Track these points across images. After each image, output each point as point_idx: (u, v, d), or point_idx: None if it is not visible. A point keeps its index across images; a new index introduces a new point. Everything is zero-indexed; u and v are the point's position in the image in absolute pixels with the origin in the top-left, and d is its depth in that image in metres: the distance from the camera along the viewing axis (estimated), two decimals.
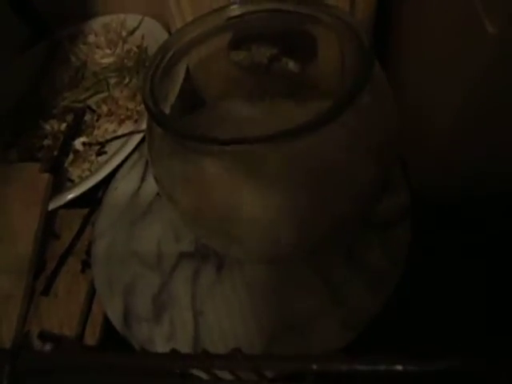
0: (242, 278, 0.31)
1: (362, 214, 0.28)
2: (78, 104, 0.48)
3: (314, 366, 0.16)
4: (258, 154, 0.20)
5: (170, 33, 0.47)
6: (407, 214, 0.31)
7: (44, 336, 0.32)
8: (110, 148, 0.43)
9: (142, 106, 0.44)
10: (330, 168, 0.24)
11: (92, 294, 0.35)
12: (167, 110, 0.26)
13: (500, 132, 0.24)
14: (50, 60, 0.53)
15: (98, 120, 0.47)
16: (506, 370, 0.14)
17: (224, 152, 0.20)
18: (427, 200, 0.31)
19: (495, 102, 0.22)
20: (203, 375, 0.20)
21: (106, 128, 0.45)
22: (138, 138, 0.41)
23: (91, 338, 0.33)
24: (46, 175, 0.38)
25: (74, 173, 0.43)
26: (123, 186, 0.39)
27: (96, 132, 0.46)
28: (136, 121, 0.45)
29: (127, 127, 0.45)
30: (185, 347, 0.29)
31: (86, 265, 0.36)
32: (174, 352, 0.18)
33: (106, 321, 0.33)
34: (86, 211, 0.39)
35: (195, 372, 0.20)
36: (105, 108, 0.47)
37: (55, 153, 0.43)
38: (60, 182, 0.41)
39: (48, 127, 0.46)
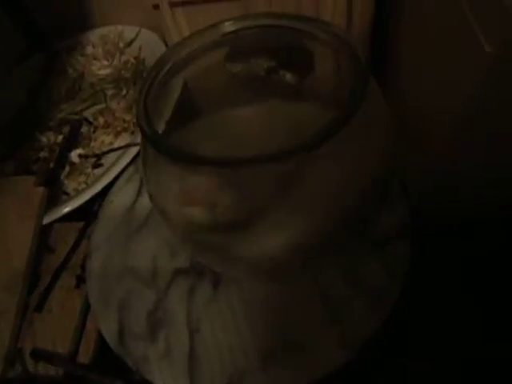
0: (239, 294, 0.30)
1: (360, 229, 0.28)
2: (75, 116, 0.48)
3: None
4: (252, 173, 0.20)
5: (166, 44, 0.48)
6: (406, 230, 0.31)
7: (36, 354, 0.32)
8: (107, 160, 0.43)
9: None
10: (327, 184, 0.23)
11: (86, 310, 0.34)
12: (162, 126, 0.25)
13: (497, 146, 0.24)
14: (48, 72, 0.53)
15: (94, 132, 0.46)
16: None
17: (217, 172, 0.19)
18: (427, 215, 0.31)
19: (492, 118, 0.22)
20: None
21: (103, 140, 0.45)
22: (134, 150, 0.40)
23: (85, 355, 0.32)
24: (41, 189, 0.38)
25: (70, 185, 0.42)
26: (119, 200, 0.38)
27: (92, 144, 0.45)
28: (133, 133, 0.45)
29: (124, 139, 0.45)
30: (180, 365, 0.29)
31: (81, 280, 0.35)
32: None
33: (100, 337, 0.32)
34: (81, 224, 0.39)
35: None
36: (101, 120, 0.47)
37: (51, 165, 0.43)
38: (56, 195, 0.41)
39: (44, 139, 0.46)
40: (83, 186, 0.42)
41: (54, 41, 0.56)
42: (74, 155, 0.44)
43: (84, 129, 0.47)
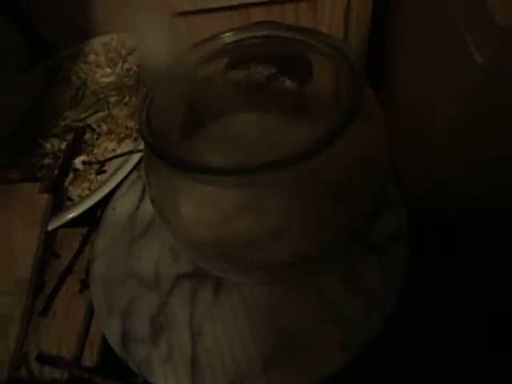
0: (241, 298, 0.31)
1: (359, 232, 0.28)
2: (79, 123, 0.49)
3: None
4: (249, 181, 0.21)
5: None
6: (405, 232, 0.32)
7: (42, 358, 0.32)
8: (110, 167, 0.44)
9: None
10: (324, 191, 0.24)
11: (90, 314, 0.35)
12: (164, 135, 0.26)
13: (489, 152, 0.25)
14: (51, 80, 0.54)
15: (97, 139, 0.47)
16: None
17: (220, 180, 0.20)
18: (425, 217, 0.31)
19: (485, 126, 0.22)
20: None
21: (106, 146, 0.46)
22: (137, 157, 0.41)
23: (89, 359, 0.33)
24: (46, 196, 0.39)
25: (74, 192, 0.43)
26: (122, 206, 0.39)
27: (96, 151, 0.46)
28: (135, 139, 0.45)
29: (127, 146, 0.45)
30: (182, 369, 0.29)
31: (85, 285, 0.36)
32: None
33: (104, 341, 0.33)
34: (85, 230, 0.40)
35: None
36: (105, 127, 0.47)
37: (55, 172, 0.43)
38: (60, 201, 0.41)
39: (49, 146, 0.47)
40: (87, 192, 0.42)
41: (57, 49, 0.57)
42: (78, 162, 0.45)
43: (87, 136, 0.47)
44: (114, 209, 0.39)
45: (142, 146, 0.41)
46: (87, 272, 0.36)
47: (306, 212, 0.24)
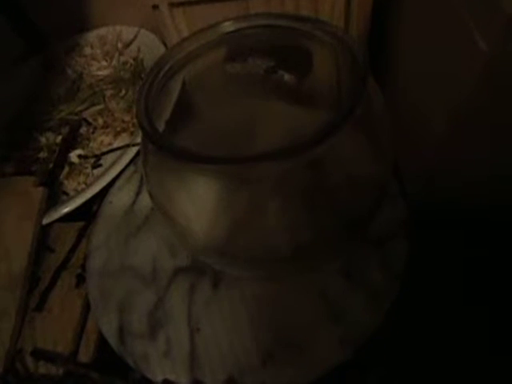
0: (240, 293, 0.31)
1: (360, 227, 0.28)
2: (74, 116, 0.48)
3: None
4: (251, 171, 0.20)
5: (165, 45, 0.48)
6: (405, 227, 0.31)
7: (37, 354, 0.32)
8: (106, 161, 0.43)
9: None
10: (326, 183, 0.24)
11: (87, 309, 0.34)
12: (162, 125, 0.25)
13: (492, 143, 0.24)
14: (46, 73, 0.53)
15: (93, 132, 0.46)
16: None
17: (218, 170, 0.20)
18: (425, 212, 0.31)
19: (487, 116, 0.22)
20: None
21: (102, 140, 0.45)
22: (133, 151, 0.41)
23: (85, 355, 0.32)
24: (41, 189, 0.38)
25: (70, 186, 0.43)
26: (118, 200, 0.38)
27: (92, 144, 0.45)
28: (132, 133, 0.45)
29: (123, 140, 0.45)
30: (181, 364, 0.29)
31: (81, 279, 0.35)
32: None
33: (101, 337, 0.32)
34: (81, 225, 0.39)
35: None
36: (100, 120, 0.47)
37: (51, 165, 0.43)
38: (55, 195, 0.41)
39: (44, 140, 0.46)
40: (83, 186, 0.42)
41: (53, 42, 0.56)
42: (74, 156, 0.44)
43: (83, 129, 0.47)
44: (111, 203, 0.39)
45: (138, 140, 0.40)
46: (83, 267, 0.36)
47: (304, 205, 0.24)
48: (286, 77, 0.32)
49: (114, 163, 0.40)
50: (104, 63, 0.53)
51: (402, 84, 0.33)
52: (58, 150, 0.44)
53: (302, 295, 0.30)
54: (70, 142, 0.45)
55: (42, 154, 0.45)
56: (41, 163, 0.44)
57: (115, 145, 0.44)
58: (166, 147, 0.19)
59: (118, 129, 0.46)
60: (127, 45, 0.54)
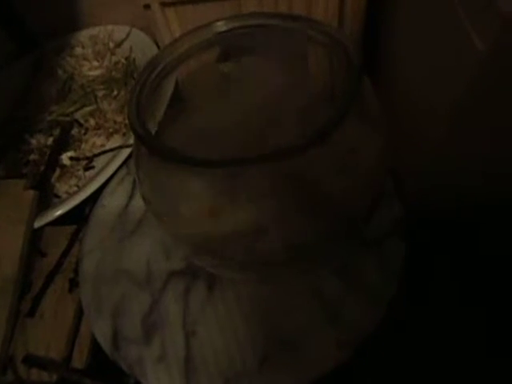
0: (235, 296, 0.30)
1: (357, 227, 0.28)
2: (65, 118, 0.47)
3: None
4: (245, 174, 0.20)
5: (157, 45, 0.47)
6: (401, 227, 0.31)
7: (29, 360, 0.31)
8: (98, 162, 0.43)
9: None
10: (321, 184, 0.23)
11: (80, 314, 0.33)
12: (155, 126, 0.25)
13: (489, 142, 0.24)
14: (36, 73, 0.52)
15: (85, 134, 0.46)
16: None
17: (211, 172, 0.19)
18: (421, 212, 0.31)
19: (483, 116, 0.22)
20: None
21: (94, 142, 0.45)
22: (126, 152, 0.40)
23: (79, 360, 0.32)
24: (32, 192, 0.37)
25: (61, 188, 0.42)
26: (111, 203, 0.38)
27: (83, 146, 0.45)
28: (124, 134, 0.44)
29: (115, 141, 0.44)
30: (176, 368, 0.29)
31: (74, 284, 0.35)
32: None
33: (95, 342, 0.32)
34: (73, 228, 0.38)
35: None
36: (92, 121, 0.46)
37: (42, 168, 0.42)
38: (46, 198, 0.40)
39: (34, 142, 0.46)
40: (74, 188, 0.41)
41: (43, 41, 0.56)
42: (65, 158, 0.43)
43: (75, 131, 0.46)
44: (104, 206, 0.38)
45: (131, 141, 0.40)
46: (76, 271, 0.35)
47: (297, 206, 0.24)
48: (280, 77, 0.32)
49: (106, 165, 0.40)
50: (95, 63, 0.52)
51: (399, 83, 0.33)
52: (49, 152, 0.43)
53: (297, 297, 0.30)
54: (62, 144, 0.44)
55: (33, 157, 0.45)
56: (32, 166, 0.43)
57: (107, 146, 0.44)
58: (158, 150, 0.19)
59: (111, 130, 0.45)
60: (119, 44, 0.53)
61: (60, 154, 0.43)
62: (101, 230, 0.36)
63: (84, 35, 0.55)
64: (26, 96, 0.51)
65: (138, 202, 0.37)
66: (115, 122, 0.45)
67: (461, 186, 0.28)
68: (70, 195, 0.39)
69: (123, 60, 0.51)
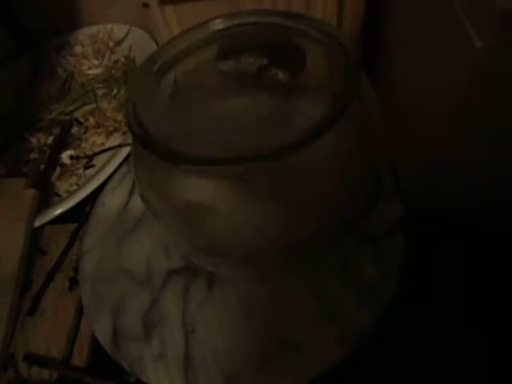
0: (234, 294, 0.30)
1: (354, 225, 0.28)
2: (65, 116, 0.47)
3: None
4: (243, 172, 0.20)
5: (156, 43, 0.47)
6: (400, 225, 0.31)
7: (30, 358, 0.31)
8: (98, 161, 0.43)
9: None
10: (319, 181, 0.23)
11: (80, 312, 0.34)
12: (153, 125, 0.25)
13: (488, 142, 0.24)
14: (36, 72, 0.52)
15: (85, 132, 0.46)
16: None
17: (209, 171, 0.19)
18: (420, 210, 0.31)
19: (482, 114, 0.22)
20: None
21: (94, 140, 0.45)
22: (125, 150, 0.40)
23: (79, 358, 0.32)
24: (32, 191, 0.37)
25: (62, 187, 0.42)
26: (111, 201, 0.38)
27: (83, 145, 0.45)
28: (124, 133, 0.44)
29: (115, 139, 0.44)
30: (175, 366, 0.29)
31: (74, 282, 0.35)
32: None
33: (95, 340, 0.32)
34: (73, 226, 0.38)
35: None
36: (92, 120, 0.46)
37: (42, 167, 0.42)
38: (47, 197, 0.40)
39: (34, 140, 0.46)
40: (75, 187, 0.41)
41: (43, 40, 0.56)
42: (65, 156, 0.43)
43: (75, 129, 0.46)
44: (104, 204, 0.38)
45: (131, 140, 0.40)
46: (76, 269, 0.35)
47: (294, 203, 0.23)
48: (280, 74, 0.32)
49: (106, 164, 0.40)
50: (95, 62, 0.52)
51: (398, 83, 0.33)
52: (49, 151, 0.43)
53: (297, 295, 0.30)
54: (62, 143, 0.44)
55: (33, 155, 0.45)
56: (32, 164, 0.43)
57: (107, 145, 0.44)
58: (156, 149, 0.19)
59: (110, 128, 0.45)
60: (118, 43, 0.53)
61: (60, 153, 0.44)
62: (101, 228, 0.37)
63: (84, 34, 0.55)
64: (26, 95, 0.51)
65: (139, 200, 0.36)
66: (115, 120, 0.45)
67: (461, 186, 0.28)
68: (70, 194, 0.39)
69: (123, 58, 0.51)
